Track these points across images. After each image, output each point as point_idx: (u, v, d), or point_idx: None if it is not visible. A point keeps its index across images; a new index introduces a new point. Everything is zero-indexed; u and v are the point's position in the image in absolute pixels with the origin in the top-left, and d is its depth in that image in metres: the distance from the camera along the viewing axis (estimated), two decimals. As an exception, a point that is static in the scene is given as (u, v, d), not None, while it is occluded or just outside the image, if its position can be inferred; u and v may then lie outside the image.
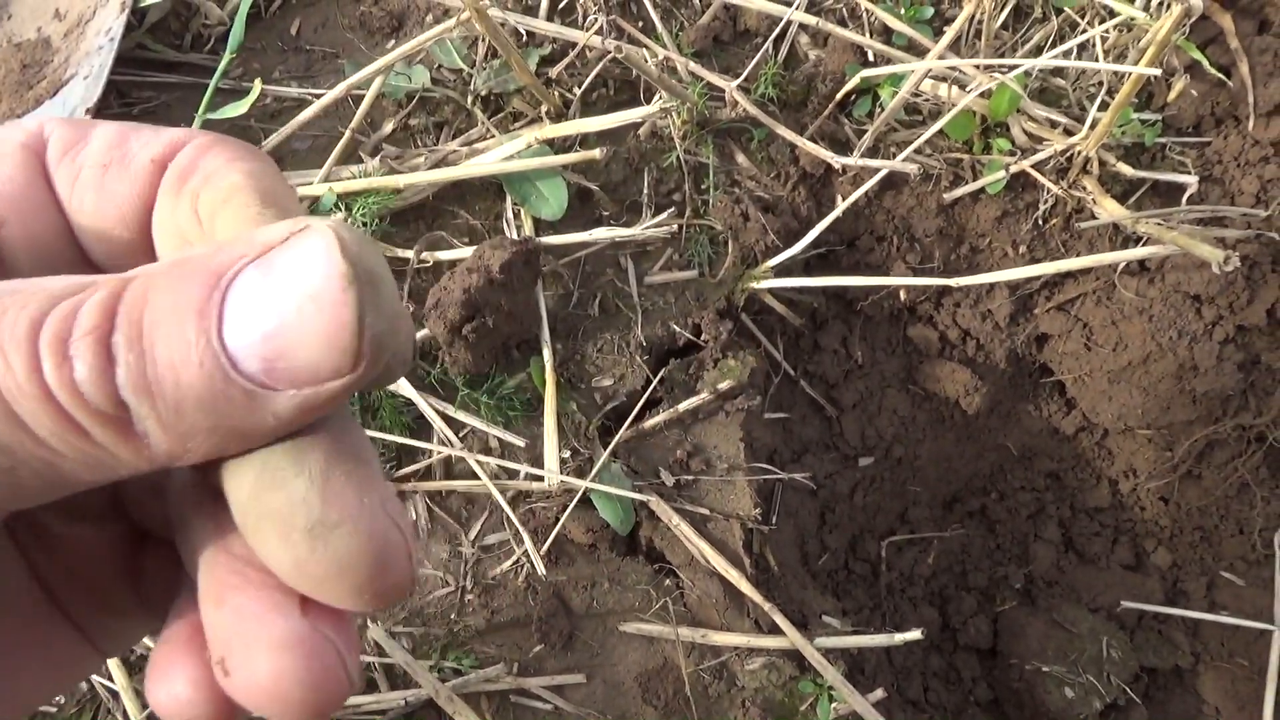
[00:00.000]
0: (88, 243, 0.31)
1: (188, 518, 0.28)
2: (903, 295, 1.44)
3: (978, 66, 1.22)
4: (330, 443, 0.25)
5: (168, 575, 0.31)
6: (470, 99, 1.30)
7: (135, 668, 1.10)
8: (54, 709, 1.10)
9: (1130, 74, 1.07)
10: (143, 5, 1.26)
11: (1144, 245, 1.24)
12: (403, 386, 1.16)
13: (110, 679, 1.08)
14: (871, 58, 1.31)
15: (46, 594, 0.31)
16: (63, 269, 0.30)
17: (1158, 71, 1.02)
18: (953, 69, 1.25)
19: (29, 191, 0.30)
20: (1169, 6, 1.09)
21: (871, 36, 1.31)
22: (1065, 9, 1.30)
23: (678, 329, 1.26)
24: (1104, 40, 1.25)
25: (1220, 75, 1.29)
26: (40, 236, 0.30)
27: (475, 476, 1.15)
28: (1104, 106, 1.25)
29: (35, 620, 0.30)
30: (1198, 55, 1.26)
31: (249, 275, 0.23)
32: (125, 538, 0.32)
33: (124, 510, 0.32)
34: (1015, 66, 1.22)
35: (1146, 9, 1.23)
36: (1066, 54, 1.22)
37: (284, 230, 0.24)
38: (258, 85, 1.15)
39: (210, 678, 0.26)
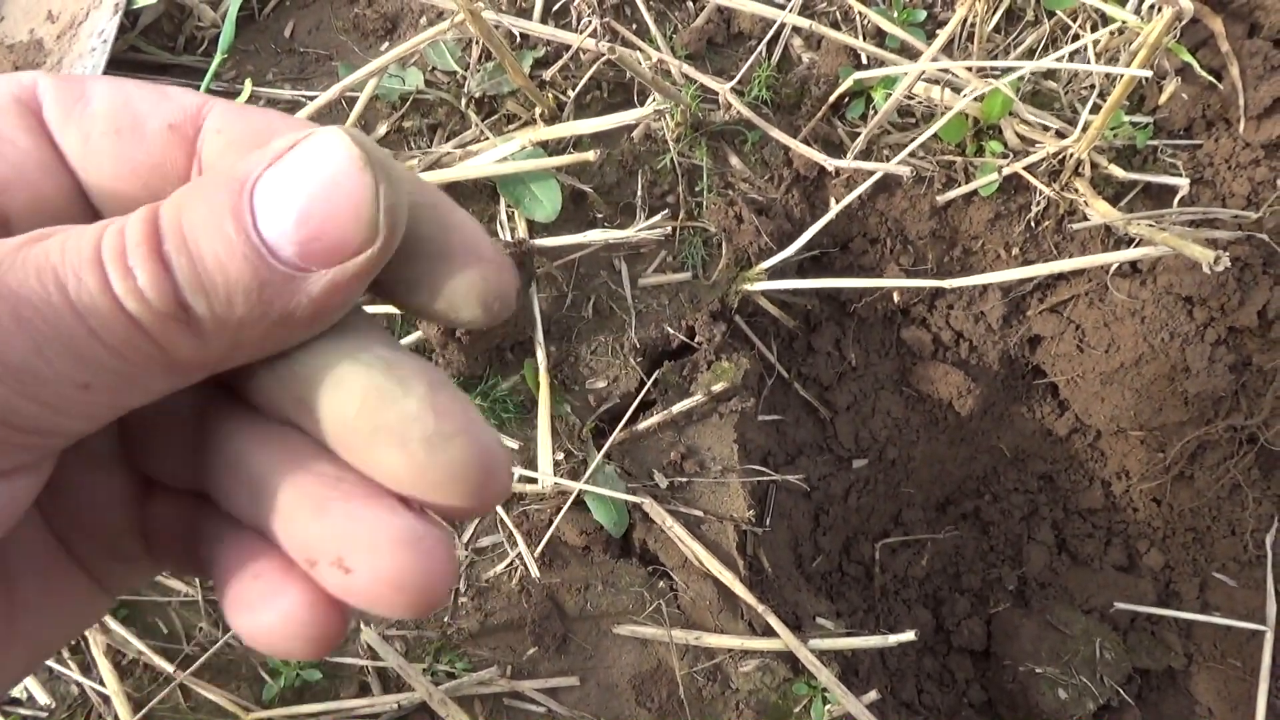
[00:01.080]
0: (102, 203, 0.31)
1: (243, 453, 0.29)
2: (896, 297, 1.44)
3: (970, 69, 1.22)
4: (424, 367, 0.29)
5: (174, 523, 0.32)
6: (464, 101, 1.30)
7: (127, 671, 1.09)
8: (45, 714, 1.09)
9: (1122, 76, 1.07)
10: (136, 7, 1.26)
11: (1136, 246, 1.24)
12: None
13: (101, 683, 1.07)
14: (865, 60, 1.31)
15: (58, 539, 0.31)
16: None
17: (1149, 73, 1.02)
18: (945, 71, 1.25)
19: (34, 153, 0.29)
20: (1160, 10, 1.10)
21: (865, 39, 1.31)
22: (1057, 12, 1.31)
23: (671, 331, 1.26)
24: (1095, 44, 1.25)
25: (1211, 78, 1.29)
26: (49, 199, 0.30)
27: (469, 479, 1.14)
28: (1096, 109, 1.25)
29: (49, 565, 0.31)
30: (1189, 58, 1.27)
31: (270, 175, 0.26)
32: (131, 486, 0.32)
33: (129, 460, 0.33)
34: (1008, 70, 1.22)
35: (1137, 12, 1.24)
36: (1058, 58, 1.23)
37: (291, 137, 0.27)
38: (248, 86, 1.15)
39: (313, 593, 0.28)
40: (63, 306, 0.24)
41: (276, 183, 0.26)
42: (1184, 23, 1.10)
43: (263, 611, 0.28)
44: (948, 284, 1.15)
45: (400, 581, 0.26)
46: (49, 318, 0.24)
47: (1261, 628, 1.45)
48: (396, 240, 0.27)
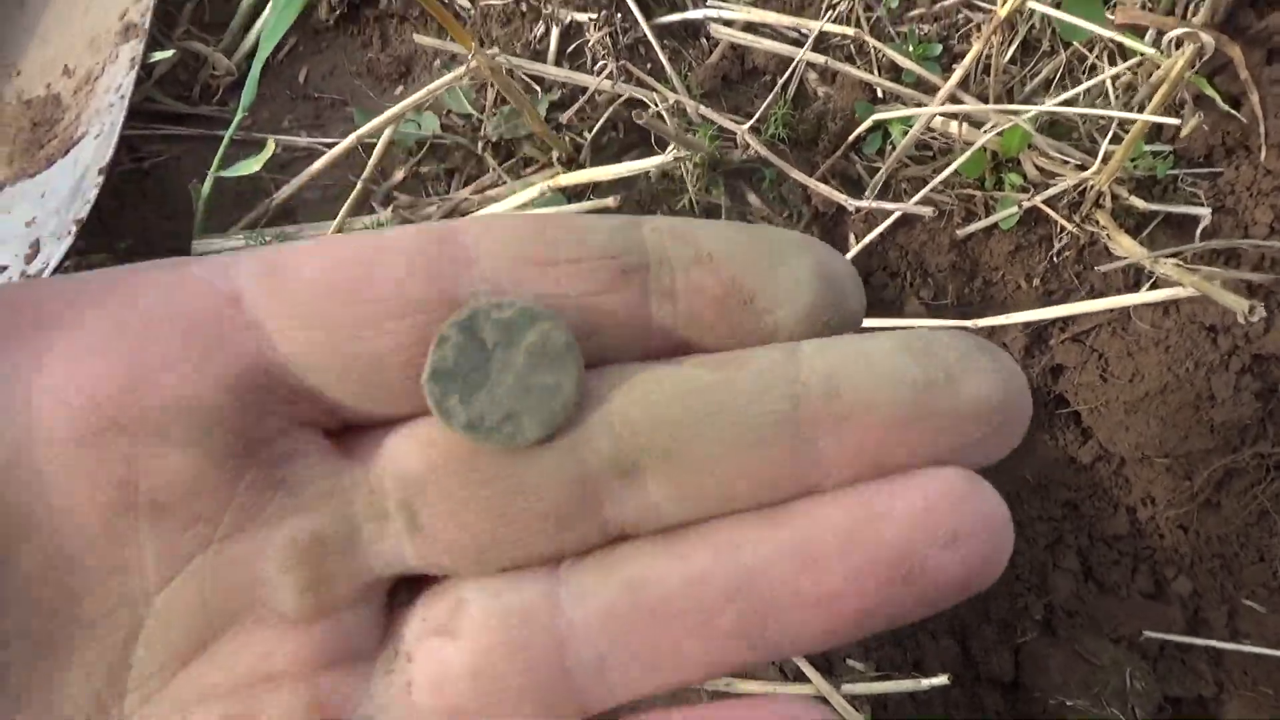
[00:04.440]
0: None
1: None
2: (916, 330, 1.43)
3: (988, 109, 1.22)
4: None
5: None
6: (481, 145, 1.30)
7: None
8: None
9: (1140, 120, 1.07)
10: (151, 61, 1.27)
11: (1162, 288, 1.24)
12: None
13: None
14: (880, 95, 1.31)
15: None
16: None
17: (1176, 121, 1.02)
18: (962, 109, 1.25)
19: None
20: (1179, 45, 1.09)
21: (880, 74, 1.31)
22: (1074, 43, 1.30)
23: (694, 373, 1.25)
24: (1115, 79, 1.25)
25: (1229, 107, 1.29)
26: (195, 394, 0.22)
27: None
28: (1116, 139, 1.24)
29: None
30: (1209, 91, 1.26)
31: None
32: None
33: None
34: (1026, 109, 1.22)
35: (1156, 44, 1.23)
36: (1074, 98, 1.22)
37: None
38: (270, 144, 1.15)
39: None
40: None
41: None
42: (1205, 59, 1.09)
43: None
44: (970, 324, 1.14)
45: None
46: None
47: (1292, 655, 1.44)
48: None
